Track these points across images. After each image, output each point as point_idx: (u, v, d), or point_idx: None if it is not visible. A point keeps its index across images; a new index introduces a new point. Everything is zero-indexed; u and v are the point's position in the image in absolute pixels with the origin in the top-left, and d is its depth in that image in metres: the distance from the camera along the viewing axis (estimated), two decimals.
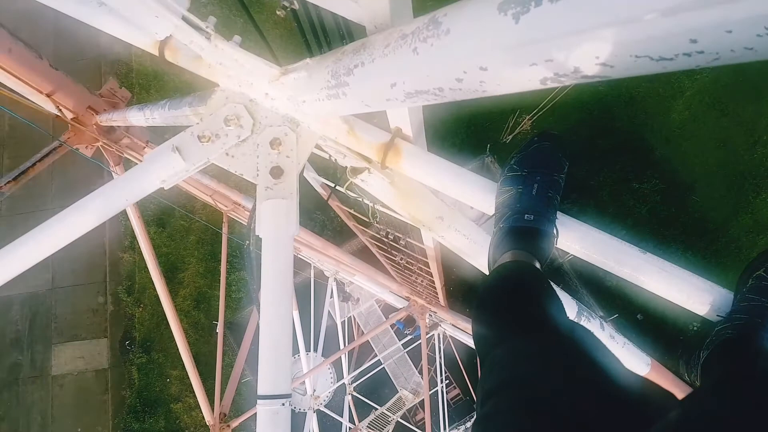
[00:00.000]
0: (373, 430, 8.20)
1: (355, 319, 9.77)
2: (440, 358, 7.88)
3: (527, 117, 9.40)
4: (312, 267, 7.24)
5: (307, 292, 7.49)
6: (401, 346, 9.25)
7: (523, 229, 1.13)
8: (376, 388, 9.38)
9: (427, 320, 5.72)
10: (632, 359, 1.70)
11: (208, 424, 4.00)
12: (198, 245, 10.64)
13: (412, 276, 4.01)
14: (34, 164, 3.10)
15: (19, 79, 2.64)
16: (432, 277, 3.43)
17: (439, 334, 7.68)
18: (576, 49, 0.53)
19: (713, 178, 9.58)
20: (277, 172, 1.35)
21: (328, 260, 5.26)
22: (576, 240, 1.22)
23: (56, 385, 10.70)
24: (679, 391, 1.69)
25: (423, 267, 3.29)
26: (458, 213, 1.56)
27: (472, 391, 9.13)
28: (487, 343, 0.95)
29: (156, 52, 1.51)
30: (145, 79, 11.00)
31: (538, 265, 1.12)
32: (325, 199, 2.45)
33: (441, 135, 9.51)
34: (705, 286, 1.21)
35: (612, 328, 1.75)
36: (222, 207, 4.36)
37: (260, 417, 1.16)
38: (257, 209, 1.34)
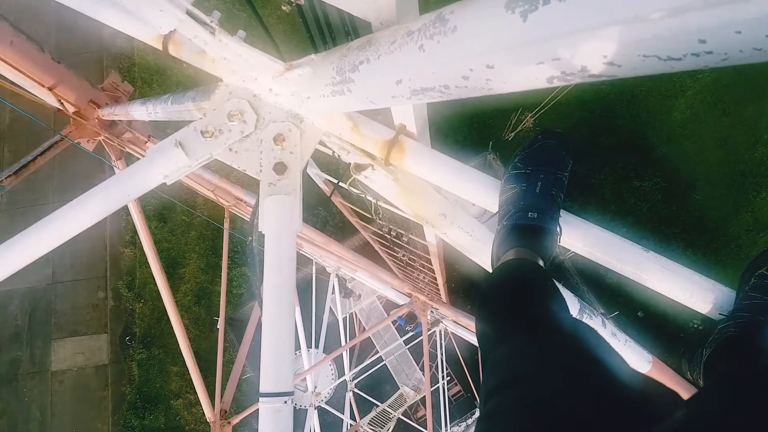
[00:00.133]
0: (374, 427, 8.22)
1: (356, 315, 9.78)
2: (442, 354, 7.89)
3: (529, 115, 9.39)
4: (314, 263, 7.25)
5: (309, 288, 7.50)
6: (403, 343, 9.26)
7: (527, 227, 1.13)
8: (378, 384, 9.40)
9: (429, 317, 5.72)
10: (634, 357, 1.71)
11: (208, 420, 4.01)
12: (199, 240, 10.64)
13: (414, 272, 4.02)
14: (35, 158, 3.10)
15: (20, 72, 2.63)
16: (434, 273, 3.43)
17: (440, 331, 7.69)
18: (583, 48, 0.53)
19: (714, 176, 9.58)
20: (280, 168, 1.35)
21: (330, 256, 5.26)
22: (579, 238, 1.22)
23: (56, 381, 10.69)
24: (681, 388, 1.69)
25: (425, 263, 3.29)
26: (461, 210, 1.57)
27: (474, 388, 9.15)
28: (490, 341, 0.96)
29: (159, 47, 1.51)
30: (148, 74, 10.97)
31: (541, 262, 1.13)
32: (328, 195, 2.45)
33: (444, 132, 9.50)
34: (707, 285, 1.21)
35: (613, 325, 1.76)
36: (224, 202, 4.36)
37: (262, 415, 1.16)
38: (260, 205, 1.34)
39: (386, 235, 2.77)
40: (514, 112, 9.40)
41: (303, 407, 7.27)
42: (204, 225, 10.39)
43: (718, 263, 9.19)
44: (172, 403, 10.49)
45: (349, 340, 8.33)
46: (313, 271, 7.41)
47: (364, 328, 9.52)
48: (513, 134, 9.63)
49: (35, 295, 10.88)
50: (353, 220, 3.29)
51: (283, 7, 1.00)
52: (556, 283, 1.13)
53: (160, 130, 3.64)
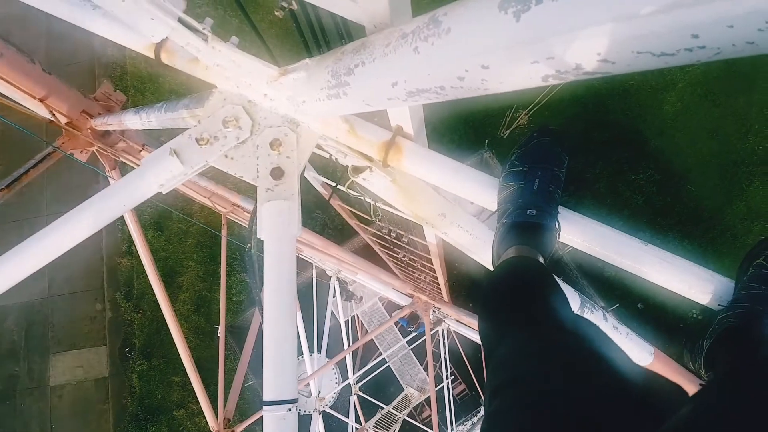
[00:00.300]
0: (379, 429, 8.20)
1: (358, 317, 9.76)
2: (445, 354, 7.89)
3: (524, 112, 9.43)
4: (314, 267, 7.23)
5: (310, 292, 7.48)
6: (406, 344, 9.25)
7: (526, 225, 1.14)
8: (382, 387, 9.38)
9: (431, 317, 5.72)
10: (636, 349, 1.72)
11: (212, 430, 3.99)
12: (197, 248, 10.60)
13: (415, 273, 4.02)
14: (27, 171, 3.08)
15: (10, 84, 2.61)
16: (435, 273, 3.44)
17: (443, 330, 7.68)
18: (577, 46, 0.54)
19: (707, 167, 9.65)
20: (277, 174, 1.35)
21: (330, 259, 5.26)
22: (578, 233, 1.23)
23: (55, 396, 10.58)
24: (684, 379, 1.70)
25: (426, 263, 3.30)
26: (460, 209, 1.57)
27: (478, 386, 9.15)
28: (492, 340, 0.96)
29: (152, 55, 1.51)
30: (140, 82, 10.94)
31: (541, 259, 1.13)
32: (327, 198, 2.45)
33: (439, 132, 9.52)
34: (706, 276, 1.22)
35: (614, 318, 1.77)
36: (220, 209, 4.35)
37: (267, 424, 1.16)
38: (258, 211, 1.34)
39: (386, 236, 2.77)
40: (509, 109, 9.44)
41: (307, 413, 7.25)
42: (201, 232, 10.35)
43: (715, 253, 9.25)
44: (174, 414, 10.42)
45: (352, 343, 8.31)
46: (314, 275, 7.39)
47: (367, 331, 9.50)
48: (508, 132, 9.67)
49: (31, 309, 10.77)
50: (352, 222, 3.29)
51: (276, 12, 1.00)
52: (557, 280, 1.14)
53: (155, 138, 3.63)
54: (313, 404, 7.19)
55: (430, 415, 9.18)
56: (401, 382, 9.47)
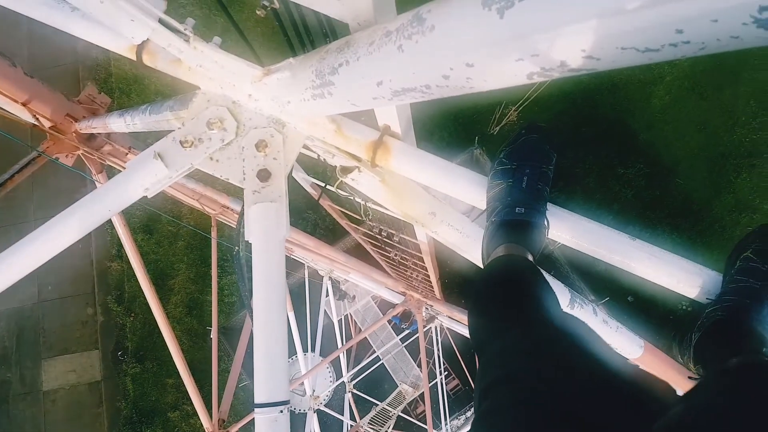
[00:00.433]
0: (374, 426, 8.21)
1: (351, 316, 9.76)
2: (438, 350, 7.91)
3: (513, 108, 9.45)
4: (306, 267, 7.21)
5: (302, 292, 7.46)
6: (399, 341, 9.27)
7: (515, 222, 1.14)
8: (376, 384, 9.40)
9: (424, 314, 5.73)
10: (626, 342, 1.72)
11: (207, 431, 3.97)
12: (187, 250, 10.52)
13: (407, 271, 4.02)
14: (12, 176, 3.03)
15: None
16: (427, 271, 3.43)
17: (436, 327, 7.71)
18: (561, 43, 0.53)
19: (695, 160, 9.75)
20: (264, 175, 1.34)
21: (322, 259, 5.24)
22: (566, 230, 1.23)
23: (48, 401, 10.50)
24: (673, 372, 1.71)
25: (417, 262, 3.29)
26: (450, 208, 1.56)
27: (471, 382, 9.20)
28: (482, 338, 0.96)
29: (134, 57, 1.48)
30: (125, 84, 10.81)
31: (530, 257, 1.13)
32: (316, 198, 2.43)
33: (429, 129, 9.52)
34: (694, 270, 1.22)
35: (604, 312, 1.77)
36: (210, 211, 4.32)
37: (258, 426, 1.15)
38: (245, 213, 1.32)
39: (377, 235, 2.77)
40: (498, 106, 9.45)
41: (302, 411, 7.24)
42: (191, 235, 10.28)
43: (704, 245, 9.35)
44: (169, 416, 10.37)
45: (346, 341, 8.31)
46: (306, 275, 7.37)
47: (360, 329, 9.51)
48: (498, 128, 9.69)
49: (22, 314, 10.66)
50: (343, 222, 3.28)
51: (258, 12, 0.98)
52: (547, 277, 1.14)
53: (141, 141, 3.59)
54: (307, 403, 7.18)
55: (424, 411, 9.21)
56: (395, 379, 9.49)
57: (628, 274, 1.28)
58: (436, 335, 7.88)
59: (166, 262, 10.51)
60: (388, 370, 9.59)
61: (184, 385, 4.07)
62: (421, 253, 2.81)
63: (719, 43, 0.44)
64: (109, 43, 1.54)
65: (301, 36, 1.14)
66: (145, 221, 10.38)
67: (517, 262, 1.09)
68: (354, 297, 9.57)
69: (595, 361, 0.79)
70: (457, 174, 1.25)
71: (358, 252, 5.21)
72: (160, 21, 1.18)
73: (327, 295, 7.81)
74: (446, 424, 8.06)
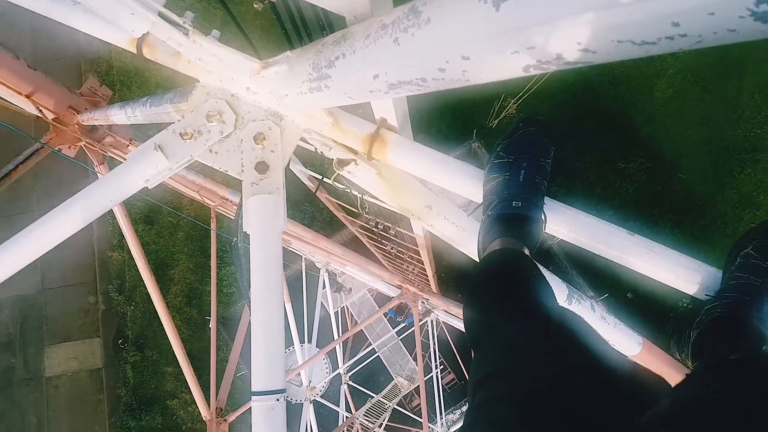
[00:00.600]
0: (369, 418, 8.27)
1: (348, 309, 9.79)
2: (434, 344, 7.95)
3: (512, 101, 9.40)
4: (303, 259, 7.23)
5: (299, 284, 7.48)
6: (395, 334, 9.31)
7: (511, 216, 1.13)
8: (372, 376, 9.45)
9: (420, 307, 5.75)
10: (624, 339, 1.73)
11: (204, 419, 4.01)
12: (187, 241, 10.55)
13: (403, 264, 4.02)
14: (16, 167, 3.04)
15: None
16: (423, 265, 3.44)
17: (432, 321, 7.73)
18: (557, 36, 0.53)
19: (698, 154, 9.68)
20: (262, 168, 1.34)
21: (319, 252, 5.25)
22: (564, 224, 1.23)
23: (51, 387, 10.63)
24: (671, 369, 1.72)
25: (414, 255, 3.30)
26: (447, 201, 1.56)
27: (467, 376, 9.23)
28: (477, 331, 0.96)
29: (134, 50, 1.48)
30: (127, 76, 10.78)
31: (527, 251, 1.13)
32: (313, 191, 2.43)
33: (426, 122, 9.48)
34: (693, 266, 1.22)
35: (602, 308, 1.77)
36: (209, 202, 4.32)
37: (255, 413, 1.16)
38: (244, 205, 1.33)
39: (373, 228, 2.76)
40: (497, 99, 9.40)
41: (298, 402, 7.30)
42: (191, 225, 10.30)
43: (705, 241, 9.33)
44: (168, 404, 10.46)
45: (342, 333, 8.35)
46: (303, 267, 7.39)
47: (356, 322, 9.54)
48: (497, 121, 9.64)
49: (26, 302, 10.77)
50: (340, 215, 3.28)
51: (255, 5, 0.98)
52: (543, 271, 1.14)
53: (142, 132, 3.59)
54: (304, 393, 7.24)
55: (419, 404, 9.27)
56: (391, 372, 9.54)
57: (627, 270, 1.28)
58: (432, 329, 7.91)
59: (166, 252, 10.55)
60: (384, 362, 9.64)
61: (183, 374, 4.10)
62: (417, 246, 2.81)
63: (716, 36, 0.44)
64: (110, 36, 1.54)
65: (299, 29, 1.13)
66: (146, 212, 10.39)
67: (513, 255, 1.09)
68: (350, 289, 9.60)
69: (590, 357, 0.79)
70: (454, 167, 1.24)
71: (354, 245, 5.22)
72: (160, 14, 1.17)
73: (324, 288, 7.84)
74: (441, 418, 8.11)
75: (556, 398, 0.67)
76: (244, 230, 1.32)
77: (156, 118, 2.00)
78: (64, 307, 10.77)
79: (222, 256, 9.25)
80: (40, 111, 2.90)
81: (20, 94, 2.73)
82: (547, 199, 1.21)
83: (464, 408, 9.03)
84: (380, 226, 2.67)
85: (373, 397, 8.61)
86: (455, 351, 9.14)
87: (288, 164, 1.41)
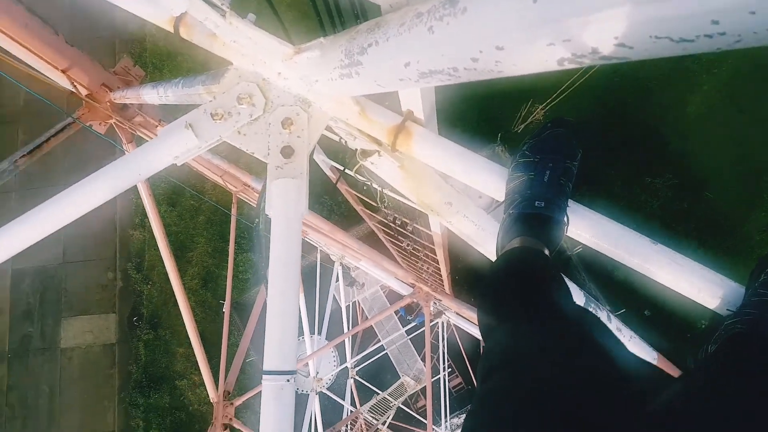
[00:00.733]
0: (374, 414, 8.30)
1: (359, 304, 9.83)
2: (443, 346, 7.92)
3: (540, 107, 9.30)
4: (318, 251, 7.28)
5: (313, 275, 7.54)
6: (404, 333, 9.31)
7: (533, 216, 1.12)
8: (379, 373, 9.47)
9: (432, 308, 5.74)
10: (639, 352, 1.71)
11: (212, 401, 4.07)
12: (207, 225, 10.73)
13: (418, 263, 4.02)
14: (47, 139, 3.13)
15: (35, 54, 2.65)
16: (438, 264, 3.43)
17: (443, 323, 7.71)
18: (594, 29, 0.53)
19: (728, 174, 9.44)
20: (287, 152, 1.35)
21: (335, 244, 5.28)
22: (587, 228, 1.21)
23: (65, 358, 10.93)
24: None
25: (429, 254, 3.29)
26: (467, 199, 1.56)
27: (474, 381, 9.18)
28: (490, 324, 0.96)
29: (171, 29, 1.51)
30: (159, 59, 11.00)
31: (547, 252, 1.12)
32: (334, 182, 2.45)
33: (451, 122, 9.44)
34: (716, 280, 1.20)
35: (619, 321, 1.75)
36: (231, 188, 4.38)
37: (265, 392, 1.18)
38: (267, 188, 1.35)
39: (391, 224, 2.77)
40: (525, 103, 9.32)
41: (305, 392, 7.36)
42: (212, 210, 10.47)
43: (730, 262, 9.09)
44: (176, 384, 10.67)
45: (352, 327, 8.38)
46: (318, 259, 7.44)
47: (367, 317, 9.57)
48: (522, 126, 9.56)
49: (47, 274, 11.08)
50: (358, 208, 3.29)
51: None
52: (561, 273, 1.12)
53: (170, 114, 3.66)
54: (310, 384, 7.29)
55: (424, 405, 9.25)
56: (398, 370, 9.55)
57: (647, 286, 1.26)
58: (443, 331, 7.88)
59: (186, 234, 10.75)
60: (392, 360, 9.65)
61: (193, 356, 4.18)
62: (434, 244, 2.81)
63: (756, 36, 0.44)
64: (149, 13, 1.57)
65: (333, 17, 1.14)
66: (169, 193, 10.60)
67: (532, 254, 1.08)
68: (363, 284, 9.64)
69: (603, 358, 0.78)
70: (478, 163, 1.24)
71: (370, 241, 5.23)
72: None
73: (337, 281, 7.89)
74: (446, 421, 8.08)
75: (560, 396, 0.67)
76: (266, 212, 1.34)
77: (187, 99, 2.04)
78: (83, 281, 11.06)
79: (240, 242, 9.38)
80: (75, 86, 2.98)
81: (57, 68, 2.81)
82: (570, 202, 1.20)
83: None
84: (398, 222, 2.68)
85: (378, 393, 8.64)
86: (465, 355, 9.10)
87: (313, 151, 1.43)
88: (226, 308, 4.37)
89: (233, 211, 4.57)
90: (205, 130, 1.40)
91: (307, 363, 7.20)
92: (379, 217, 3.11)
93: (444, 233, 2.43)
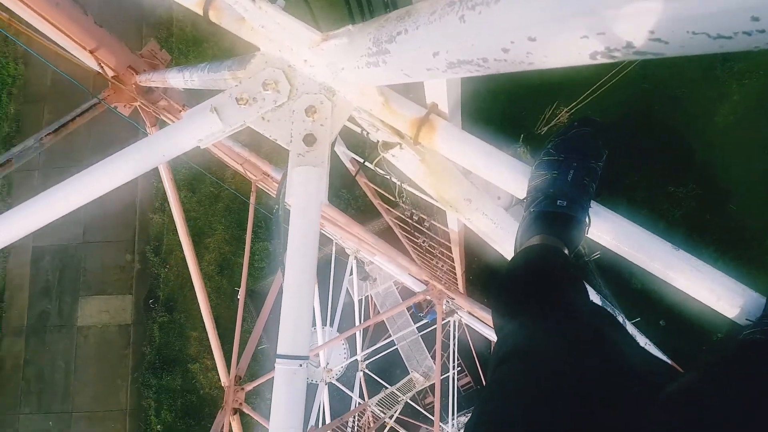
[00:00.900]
0: (381, 408, 8.34)
1: (372, 298, 9.87)
2: (454, 345, 7.91)
3: (565, 110, 9.17)
4: (334, 243, 7.32)
5: (328, 268, 7.60)
6: (416, 330, 9.32)
7: (554, 215, 1.11)
8: (388, 367, 9.51)
9: (444, 306, 5.72)
10: None
11: (223, 385, 4.13)
12: (225, 213, 10.87)
13: (433, 260, 4.02)
14: (73, 119, 3.19)
15: (64, 33, 2.70)
16: (453, 262, 3.43)
17: (454, 322, 7.69)
18: (630, 22, 0.52)
19: (754, 187, 9.21)
20: (310, 140, 1.36)
21: (351, 238, 5.30)
22: (608, 230, 1.20)
23: (81, 336, 11.18)
24: None
25: (445, 251, 3.29)
26: (487, 197, 1.55)
27: (484, 381, 9.16)
28: (506, 319, 0.95)
29: (200, 12, 1.53)
30: (185, 45, 11.13)
31: (566, 251, 1.11)
32: (353, 174, 2.46)
33: (474, 120, 9.32)
34: (737, 288, 1.18)
35: (634, 328, 1.73)
36: (251, 176, 4.43)
37: (278, 375, 1.19)
38: (289, 175, 1.36)
39: (408, 219, 2.77)
40: (549, 105, 9.20)
41: (314, 382, 7.43)
42: (231, 198, 10.59)
43: (750, 275, 8.86)
44: (189, 367, 10.85)
45: (363, 321, 8.42)
46: (333, 252, 7.49)
47: (379, 312, 9.60)
48: (546, 128, 9.45)
49: (66, 252, 11.33)
50: (376, 202, 3.30)
51: None
52: (580, 273, 1.11)
53: (194, 100, 3.70)
54: (320, 374, 7.36)
55: (432, 402, 9.26)
56: (407, 366, 9.58)
57: (662, 295, 1.25)
58: (454, 330, 7.87)
59: (205, 221, 10.90)
60: (402, 356, 9.68)
61: (206, 340, 4.25)
62: (450, 242, 2.80)
63: None
64: None
65: (362, 6, 1.15)
66: (190, 179, 10.75)
67: (552, 252, 1.07)
68: (376, 279, 9.67)
69: (615, 357, 0.77)
70: (501, 160, 1.23)
71: (386, 237, 5.23)
72: None
73: (351, 274, 7.92)
74: (453, 419, 8.08)
75: (567, 398, 0.66)
76: (286, 199, 1.35)
77: (212, 84, 2.06)
78: (102, 262, 11.30)
79: (257, 231, 9.49)
80: (102, 67, 3.03)
81: (85, 48, 2.85)
82: (593, 203, 1.19)
83: None
84: (415, 218, 2.68)
85: (387, 388, 8.67)
86: (475, 355, 9.07)
87: (335, 141, 1.43)
88: (241, 295, 4.43)
89: (252, 199, 4.62)
90: (230, 115, 1.41)
91: (318, 353, 7.26)
92: (396, 212, 3.11)
93: (461, 231, 2.42)
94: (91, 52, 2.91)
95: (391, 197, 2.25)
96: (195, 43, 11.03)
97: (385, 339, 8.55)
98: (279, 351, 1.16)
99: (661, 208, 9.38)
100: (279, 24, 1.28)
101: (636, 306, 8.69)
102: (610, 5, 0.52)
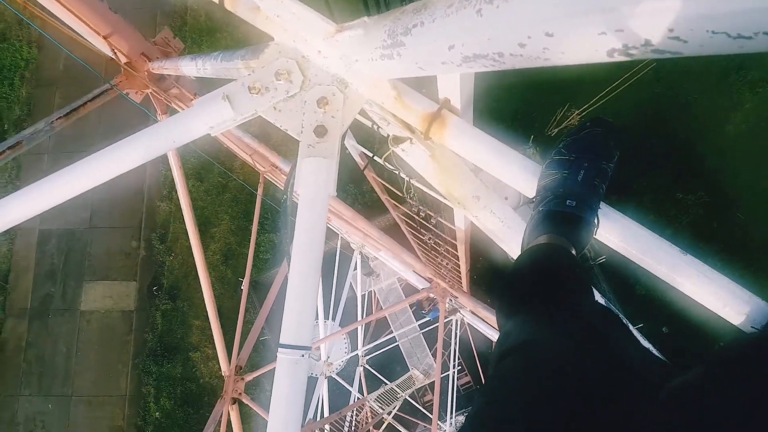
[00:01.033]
0: (380, 403, 8.37)
1: (375, 294, 9.89)
2: (455, 344, 7.92)
3: (576, 112, 9.13)
4: (339, 238, 7.34)
5: (332, 262, 7.61)
6: (417, 327, 9.33)
7: (563, 215, 1.11)
8: (388, 364, 9.54)
9: (447, 305, 5.72)
10: None
11: (223, 374, 4.16)
12: (232, 203, 10.91)
13: (437, 258, 4.01)
14: (85, 103, 3.20)
15: (79, 18, 2.71)
16: (458, 260, 3.42)
17: (457, 320, 7.70)
18: (649, 20, 0.51)
19: (762, 196, 9.13)
20: (321, 131, 1.37)
21: (356, 232, 5.31)
22: (616, 232, 1.19)
23: (84, 320, 11.28)
24: None
25: (450, 249, 3.28)
26: (495, 195, 1.55)
27: (484, 380, 9.16)
28: (510, 316, 0.95)
29: (216, 0, 1.53)
30: (198, 35, 11.16)
31: (573, 252, 1.10)
32: (362, 168, 2.46)
33: (485, 119, 9.27)
34: (743, 296, 1.17)
35: (636, 331, 1.72)
36: (260, 168, 4.44)
37: (280, 365, 1.20)
38: (298, 165, 1.36)
39: (415, 215, 2.77)
40: (561, 107, 9.15)
41: (314, 375, 7.46)
42: (238, 189, 10.63)
43: (755, 286, 8.79)
44: (190, 355, 10.92)
45: (365, 316, 8.44)
46: (338, 246, 7.50)
47: (382, 308, 9.62)
48: (556, 130, 9.40)
49: (73, 236, 11.43)
50: (383, 197, 3.30)
51: None
52: (586, 274, 1.11)
53: (206, 89, 3.71)
54: (320, 368, 7.39)
55: (431, 400, 9.28)
56: (408, 363, 9.60)
57: (665, 302, 1.24)
58: (456, 329, 7.87)
59: (212, 210, 10.95)
60: (403, 353, 9.70)
61: (208, 330, 4.28)
62: (455, 240, 2.80)
63: None
64: None
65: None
66: (198, 169, 10.80)
67: (558, 251, 1.07)
68: (380, 275, 9.68)
69: (619, 357, 0.77)
70: (511, 158, 1.23)
71: (391, 233, 5.24)
72: None
73: (355, 269, 7.93)
74: (451, 418, 8.09)
75: (568, 398, 0.66)
76: (295, 189, 1.36)
77: (224, 73, 2.07)
78: (107, 247, 11.38)
79: (263, 222, 9.53)
80: (115, 53, 3.04)
81: (98, 34, 2.86)
82: (602, 205, 1.18)
83: None
84: (422, 214, 2.68)
85: (386, 384, 8.70)
86: (476, 355, 9.08)
87: (345, 133, 1.43)
88: (245, 285, 4.45)
89: (259, 190, 4.63)
90: (242, 103, 1.42)
91: (319, 347, 7.29)
92: (403, 208, 3.11)
93: (467, 229, 2.41)
94: (104, 37, 2.92)
95: (398, 193, 2.25)
96: (209, 33, 11.06)
97: (387, 335, 8.56)
98: (282, 340, 1.17)
99: (668, 214, 9.32)
100: (294, 14, 1.28)
101: (639, 312, 8.66)
102: (629, 2, 0.51)
